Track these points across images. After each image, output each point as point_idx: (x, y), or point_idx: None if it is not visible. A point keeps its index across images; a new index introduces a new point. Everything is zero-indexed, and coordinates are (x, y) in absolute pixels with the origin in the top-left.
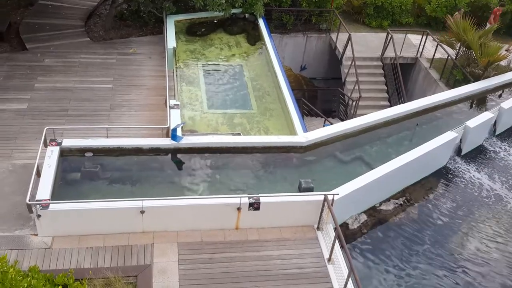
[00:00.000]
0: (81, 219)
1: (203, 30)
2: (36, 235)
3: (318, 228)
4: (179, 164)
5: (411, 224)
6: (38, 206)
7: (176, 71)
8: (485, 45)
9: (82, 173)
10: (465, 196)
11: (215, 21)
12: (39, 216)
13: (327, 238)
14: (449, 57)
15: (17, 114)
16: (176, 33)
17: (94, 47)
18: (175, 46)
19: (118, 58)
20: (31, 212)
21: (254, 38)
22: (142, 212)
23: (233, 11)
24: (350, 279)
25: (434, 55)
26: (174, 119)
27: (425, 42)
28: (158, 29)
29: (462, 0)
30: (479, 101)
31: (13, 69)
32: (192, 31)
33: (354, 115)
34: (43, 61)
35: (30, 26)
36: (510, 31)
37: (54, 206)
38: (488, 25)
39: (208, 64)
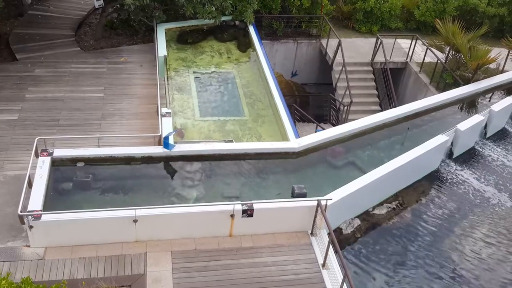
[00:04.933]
0: (74, 230)
1: (194, 38)
2: (29, 246)
3: (312, 233)
4: (172, 172)
5: (404, 228)
6: (30, 217)
7: (168, 79)
8: (474, 49)
9: (74, 183)
10: (457, 199)
11: (206, 28)
12: (31, 227)
13: (321, 243)
14: (438, 61)
15: (8, 125)
16: (167, 41)
17: (84, 57)
18: (166, 54)
19: (109, 67)
20: (23, 223)
21: (245, 45)
22: (135, 221)
23: (223, 18)
24: (344, 284)
25: (423, 59)
26: (166, 127)
27: (414, 46)
28: (149, 38)
29: (450, 4)
30: (469, 104)
31: (3, 79)
32: (183, 39)
33: (345, 120)
34: (34, 71)
35: (20, 36)
36: (498, 34)
37: (46, 217)
38: None
39: (200, 71)
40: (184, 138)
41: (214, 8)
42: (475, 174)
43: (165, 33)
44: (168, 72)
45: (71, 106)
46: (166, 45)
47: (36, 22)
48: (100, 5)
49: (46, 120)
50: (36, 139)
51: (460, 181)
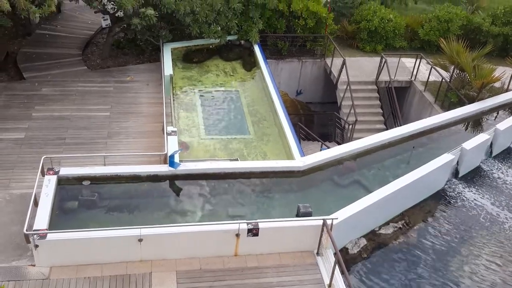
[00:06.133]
0: (79, 249)
1: (199, 57)
2: (34, 265)
3: (317, 253)
4: (177, 191)
5: (410, 248)
6: (35, 236)
7: (173, 98)
8: (479, 67)
9: (80, 201)
10: (463, 218)
11: (212, 48)
12: (36, 246)
13: (327, 263)
14: (443, 80)
15: (15, 143)
16: (172, 60)
17: (91, 76)
18: (172, 73)
19: (116, 86)
20: (29, 242)
21: (250, 64)
22: (140, 240)
23: (229, 38)
24: None
25: (428, 78)
26: (172, 145)
27: (419, 65)
28: (155, 57)
29: (454, 23)
30: (474, 123)
31: (11, 98)
32: (189, 58)
33: (350, 139)
34: (41, 90)
35: (27, 55)
36: (502, 53)
37: (52, 236)
38: None
39: (205, 90)
40: (190, 156)
41: (219, 28)
42: (481, 193)
43: (171, 52)
44: (174, 91)
45: (78, 125)
46: (172, 64)
47: (44, 41)
48: (107, 25)
49: (53, 138)
50: (43, 157)
51: (466, 201)
